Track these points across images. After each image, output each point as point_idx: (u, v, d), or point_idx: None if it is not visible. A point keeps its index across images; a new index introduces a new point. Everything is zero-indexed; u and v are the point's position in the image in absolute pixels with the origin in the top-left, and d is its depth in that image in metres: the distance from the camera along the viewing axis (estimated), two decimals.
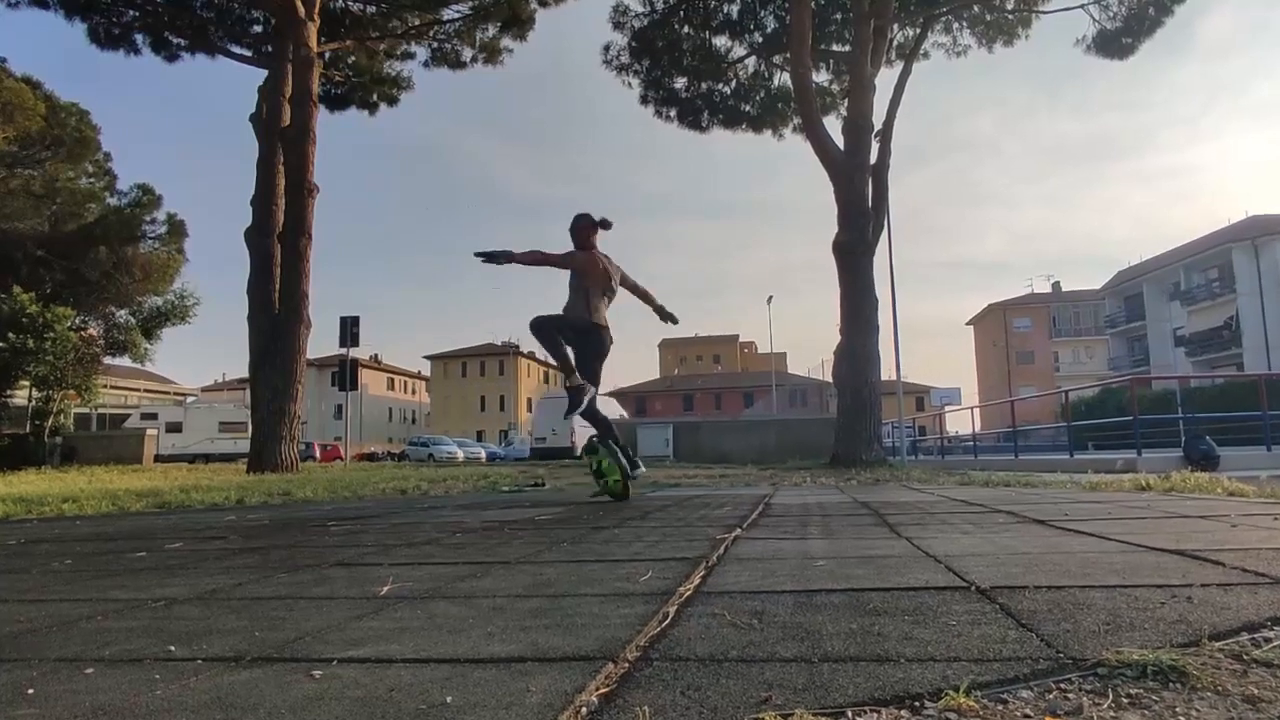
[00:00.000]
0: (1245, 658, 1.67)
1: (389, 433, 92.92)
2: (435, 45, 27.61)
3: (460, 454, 57.03)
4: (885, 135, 20.81)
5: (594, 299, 7.37)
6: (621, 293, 7.70)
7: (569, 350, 7.32)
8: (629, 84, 25.81)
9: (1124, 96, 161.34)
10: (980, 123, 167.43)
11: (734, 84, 26.03)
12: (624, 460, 7.46)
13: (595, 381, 7.45)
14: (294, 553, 4.09)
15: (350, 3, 26.32)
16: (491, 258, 7.12)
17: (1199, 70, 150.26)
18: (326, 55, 25.49)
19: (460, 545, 4.24)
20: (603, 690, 1.59)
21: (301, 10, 21.54)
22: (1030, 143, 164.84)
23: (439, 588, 2.87)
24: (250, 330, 21.40)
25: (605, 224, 7.47)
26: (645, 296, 8.05)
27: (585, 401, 7.31)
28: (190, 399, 68.10)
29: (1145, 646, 1.70)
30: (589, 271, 7.37)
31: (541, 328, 7.30)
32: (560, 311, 7.40)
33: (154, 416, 47.18)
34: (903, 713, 1.45)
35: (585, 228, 7.48)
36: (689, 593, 2.59)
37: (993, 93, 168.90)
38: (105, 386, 38.21)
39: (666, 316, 8.17)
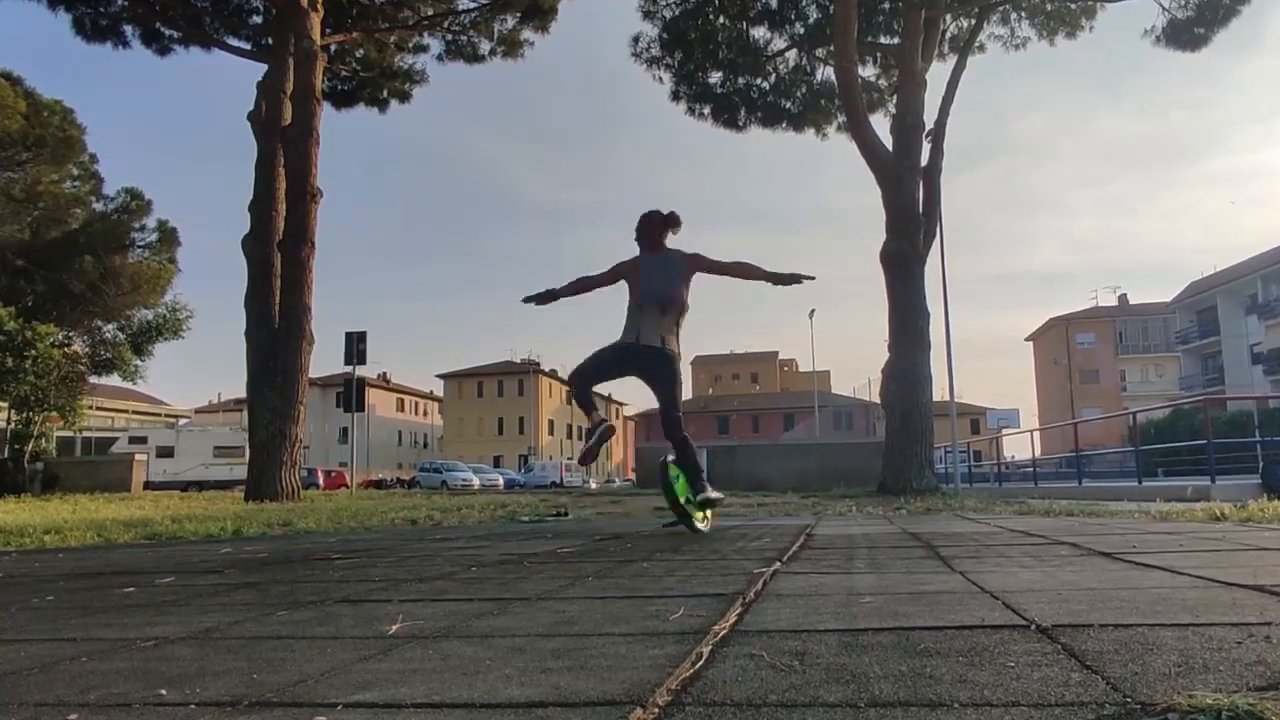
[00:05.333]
0: None
1: (398, 458, 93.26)
2: (450, 37, 27.82)
3: (476, 481, 57.27)
4: (937, 135, 20.74)
5: (633, 313, 7.13)
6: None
7: (593, 387, 7.25)
8: (659, 79, 25.97)
9: (1189, 94, 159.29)
10: (1034, 122, 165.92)
11: (773, 79, 26.07)
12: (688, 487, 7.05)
13: (669, 407, 7.05)
14: (295, 588, 4.11)
15: None
16: (539, 299, 7.32)
17: (1271, 65, 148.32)
18: (332, 48, 25.67)
19: (476, 580, 4.25)
20: None
21: None
22: (1089, 144, 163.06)
23: (453, 626, 2.88)
24: (248, 347, 21.43)
25: (672, 220, 7.25)
26: (746, 272, 7.30)
27: (598, 437, 7.09)
28: (183, 421, 68.66)
29: (1220, 690, 1.70)
30: (630, 279, 7.18)
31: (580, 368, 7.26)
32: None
33: (143, 440, 47.48)
34: None
35: (644, 227, 7.30)
36: (724, 631, 2.59)
37: (1047, 89, 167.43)
38: (91, 408, 38.60)
39: (784, 280, 7.16)
